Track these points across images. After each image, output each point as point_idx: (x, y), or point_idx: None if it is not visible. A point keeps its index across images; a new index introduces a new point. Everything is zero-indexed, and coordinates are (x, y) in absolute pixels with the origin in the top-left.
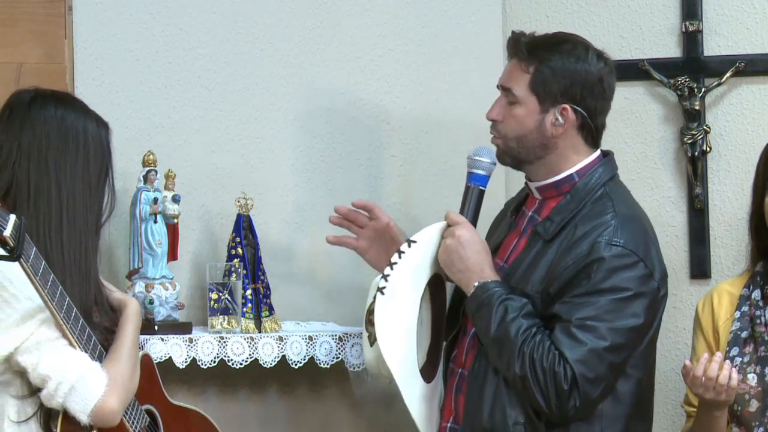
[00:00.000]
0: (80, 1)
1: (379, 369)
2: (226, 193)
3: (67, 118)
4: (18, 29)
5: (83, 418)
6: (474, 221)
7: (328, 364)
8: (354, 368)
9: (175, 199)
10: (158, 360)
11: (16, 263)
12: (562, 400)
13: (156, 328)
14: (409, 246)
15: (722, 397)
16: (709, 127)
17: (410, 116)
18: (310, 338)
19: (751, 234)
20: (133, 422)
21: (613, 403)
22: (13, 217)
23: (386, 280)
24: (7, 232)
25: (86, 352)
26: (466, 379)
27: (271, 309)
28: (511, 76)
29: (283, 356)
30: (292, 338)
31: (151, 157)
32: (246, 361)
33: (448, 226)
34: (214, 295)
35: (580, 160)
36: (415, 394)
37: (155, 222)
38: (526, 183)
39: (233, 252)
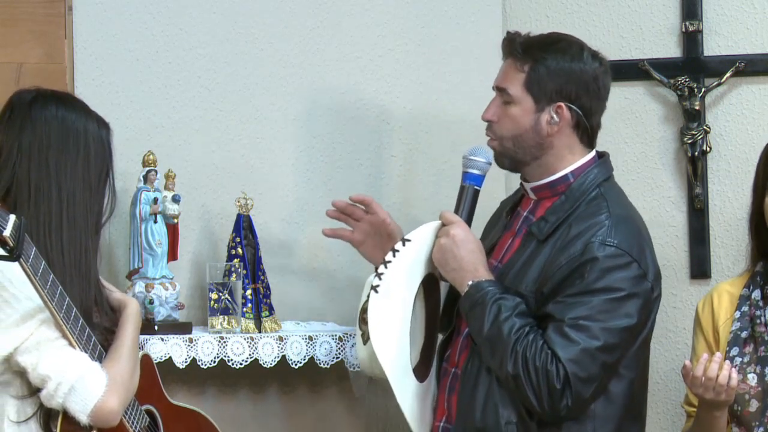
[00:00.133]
0: (80, 1)
1: (372, 368)
2: (226, 193)
3: (68, 119)
4: (18, 29)
5: (83, 418)
6: (469, 221)
7: (328, 364)
8: (354, 368)
9: (175, 199)
10: (158, 360)
11: (16, 263)
12: (555, 399)
13: (156, 328)
14: (404, 245)
15: (722, 397)
16: (709, 127)
17: (410, 116)
18: (310, 338)
19: (751, 234)
20: (133, 422)
21: (605, 403)
22: (12, 217)
23: (380, 279)
24: (7, 232)
25: (86, 352)
26: (459, 378)
27: (271, 309)
28: (506, 76)
29: (283, 356)
30: (292, 338)
31: (151, 157)
32: (246, 361)
33: (443, 225)
34: (214, 295)
35: (575, 160)
36: (407, 393)
37: (155, 222)
38: (521, 183)
39: (233, 252)
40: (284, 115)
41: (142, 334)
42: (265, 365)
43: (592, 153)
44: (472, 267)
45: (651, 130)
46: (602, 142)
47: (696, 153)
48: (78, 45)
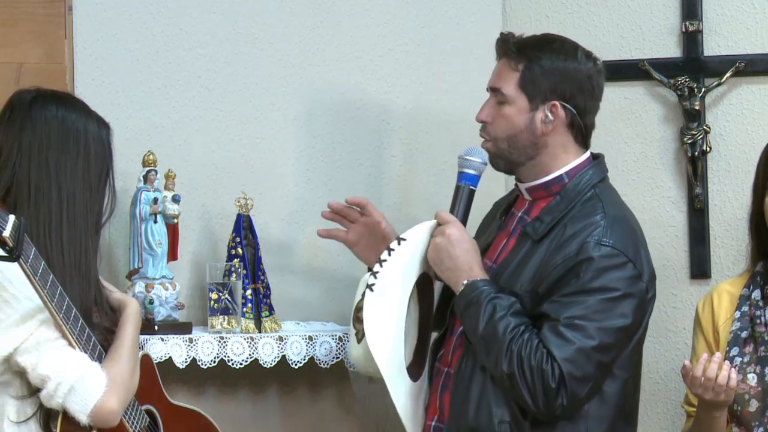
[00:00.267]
0: (80, 1)
1: (366, 366)
2: (226, 193)
3: (68, 119)
4: (18, 29)
5: (83, 418)
6: (464, 220)
7: (328, 364)
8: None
9: (175, 199)
10: (158, 360)
11: (16, 263)
12: (550, 398)
13: (156, 328)
14: (399, 244)
15: (721, 397)
16: (709, 127)
17: (410, 116)
18: (310, 338)
19: (751, 234)
20: (133, 422)
21: (599, 403)
22: (12, 218)
23: (375, 277)
24: (7, 233)
25: (86, 352)
26: (452, 377)
27: (271, 309)
28: (500, 76)
29: (283, 356)
30: (292, 338)
31: (151, 157)
32: (246, 361)
33: (438, 224)
34: (214, 295)
35: (570, 160)
36: (401, 391)
37: (155, 222)
38: (516, 184)
39: (233, 252)
40: (284, 115)
41: (142, 334)
42: (265, 365)
43: (587, 154)
44: (467, 266)
45: (651, 130)
46: (602, 142)
47: (696, 153)
48: (78, 45)
